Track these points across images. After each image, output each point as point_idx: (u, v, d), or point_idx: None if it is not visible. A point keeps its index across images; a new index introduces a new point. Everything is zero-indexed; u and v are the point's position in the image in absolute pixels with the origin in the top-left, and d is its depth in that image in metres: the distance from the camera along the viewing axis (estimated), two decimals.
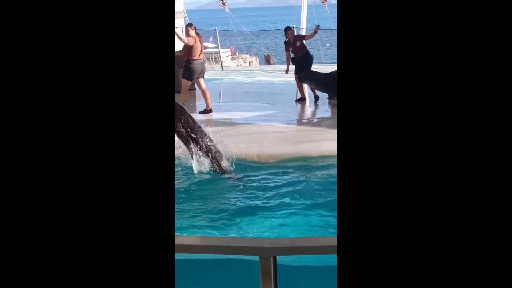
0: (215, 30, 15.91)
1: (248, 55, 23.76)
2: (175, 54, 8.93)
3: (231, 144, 6.05)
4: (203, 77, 8.89)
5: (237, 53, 23.50)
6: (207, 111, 8.76)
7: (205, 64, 10.05)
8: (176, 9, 16.03)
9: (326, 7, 14.70)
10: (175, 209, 4.41)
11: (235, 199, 5.13)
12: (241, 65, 20.88)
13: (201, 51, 8.68)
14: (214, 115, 8.75)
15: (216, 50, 18.62)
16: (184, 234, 4.10)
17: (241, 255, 1.76)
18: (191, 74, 8.64)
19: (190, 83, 8.84)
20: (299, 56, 9.73)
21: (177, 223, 4.33)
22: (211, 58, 18.82)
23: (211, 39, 24.26)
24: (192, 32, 8.58)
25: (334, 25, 17.13)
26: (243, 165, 6.03)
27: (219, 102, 10.14)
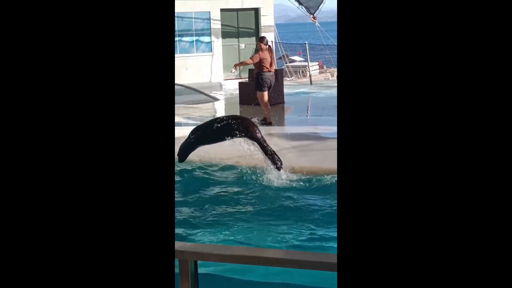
0: (305, 44, 15.91)
1: (335, 69, 23.59)
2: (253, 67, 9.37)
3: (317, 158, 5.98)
4: (269, 90, 9.11)
5: (324, 66, 23.41)
6: (266, 123, 8.76)
7: (293, 78, 10.24)
8: (267, 23, 16.25)
9: (317, 23, 14.44)
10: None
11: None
12: (328, 78, 20.76)
13: (271, 63, 9.00)
14: (302, 129, 8.74)
15: (304, 63, 18.63)
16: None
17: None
18: (262, 85, 8.96)
19: (266, 94, 9.03)
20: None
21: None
22: (299, 72, 18.86)
23: (299, 52, 24.30)
24: (263, 46, 9.00)
25: (323, 40, 16.88)
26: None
27: (307, 116, 10.11)
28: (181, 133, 8.20)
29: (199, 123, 9.39)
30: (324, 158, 6.53)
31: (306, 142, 7.57)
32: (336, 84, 16.27)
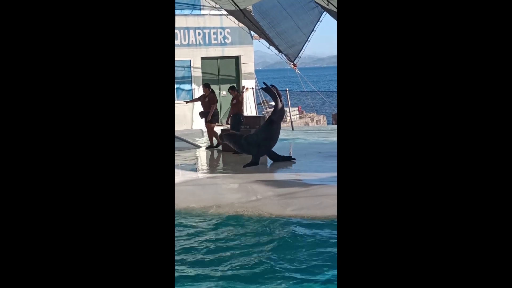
0: (286, 90, 16.14)
1: (315, 114, 23.87)
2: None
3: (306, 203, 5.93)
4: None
5: (304, 112, 23.67)
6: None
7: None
8: (247, 71, 16.46)
9: (297, 70, 14.90)
10: None
11: None
12: (308, 124, 20.94)
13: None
14: (286, 176, 8.71)
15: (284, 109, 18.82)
16: None
17: None
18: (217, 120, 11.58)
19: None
20: (233, 114, 11.50)
21: None
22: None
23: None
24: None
25: (303, 86, 17.48)
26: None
27: (292, 161, 10.10)
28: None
29: (181, 171, 9.36)
30: (310, 205, 6.49)
31: (293, 189, 7.51)
32: (316, 130, 16.41)
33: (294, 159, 9.81)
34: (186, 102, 13.28)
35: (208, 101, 11.63)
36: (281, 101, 9.82)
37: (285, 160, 9.71)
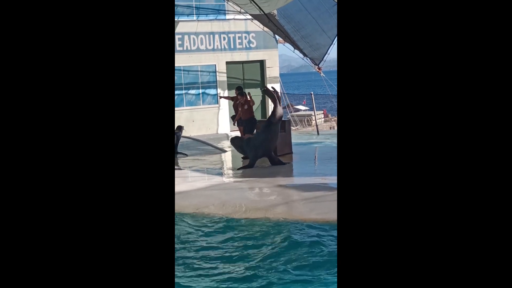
0: (311, 94, 16.10)
1: None
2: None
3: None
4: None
5: (329, 115, 23.58)
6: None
7: (298, 127, 11.47)
8: (272, 75, 16.48)
9: (322, 74, 14.75)
10: None
11: None
12: (333, 127, 20.86)
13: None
14: (311, 179, 8.69)
15: (309, 112, 18.77)
16: None
17: None
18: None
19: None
20: (247, 118, 11.34)
21: None
22: (304, 121, 18.98)
23: (303, 102, 24.53)
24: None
25: (329, 90, 17.26)
26: None
27: (315, 165, 10.08)
28: (189, 186, 8.19)
29: (207, 175, 9.41)
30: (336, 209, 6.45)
31: (318, 193, 7.49)
32: None
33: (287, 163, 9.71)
34: (221, 97, 13.50)
35: (248, 107, 11.59)
36: (280, 103, 9.90)
37: (283, 164, 9.62)
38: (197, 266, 5.05)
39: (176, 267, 4.91)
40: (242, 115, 11.57)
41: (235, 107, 11.70)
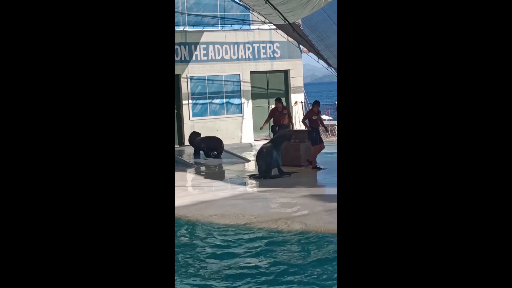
0: (335, 104, 16.04)
1: None
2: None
3: None
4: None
5: None
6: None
7: (322, 136, 11.54)
8: (296, 85, 16.46)
9: None
10: None
11: None
12: None
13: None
14: (335, 190, 8.62)
15: (333, 122, 18.70)
16: None
17: None
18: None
19: None
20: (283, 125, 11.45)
21: None
22: (328, 131, 18.92)
23: (327, 111, 24.46)
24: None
25: None
26: None
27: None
28: (214, 196, 8.20)
29: (229, 185, 9.41)
30: None
31: None
32: None
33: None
34: (261, 128, 13.01)
35: (287, 116, 11.67)
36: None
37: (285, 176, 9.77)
38: (217, 276, 5.04)
39: (190, 276, 4.90)
40: (281, 121, 11.72)
41: (272, 114, 11.91)
